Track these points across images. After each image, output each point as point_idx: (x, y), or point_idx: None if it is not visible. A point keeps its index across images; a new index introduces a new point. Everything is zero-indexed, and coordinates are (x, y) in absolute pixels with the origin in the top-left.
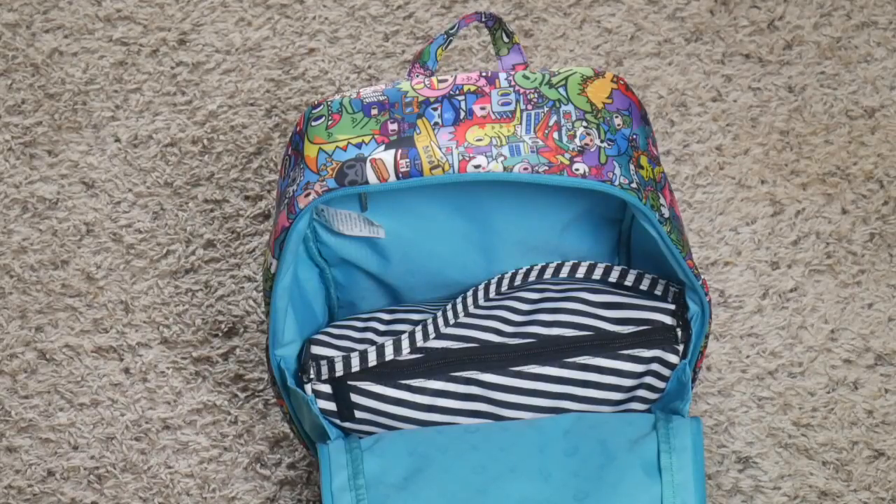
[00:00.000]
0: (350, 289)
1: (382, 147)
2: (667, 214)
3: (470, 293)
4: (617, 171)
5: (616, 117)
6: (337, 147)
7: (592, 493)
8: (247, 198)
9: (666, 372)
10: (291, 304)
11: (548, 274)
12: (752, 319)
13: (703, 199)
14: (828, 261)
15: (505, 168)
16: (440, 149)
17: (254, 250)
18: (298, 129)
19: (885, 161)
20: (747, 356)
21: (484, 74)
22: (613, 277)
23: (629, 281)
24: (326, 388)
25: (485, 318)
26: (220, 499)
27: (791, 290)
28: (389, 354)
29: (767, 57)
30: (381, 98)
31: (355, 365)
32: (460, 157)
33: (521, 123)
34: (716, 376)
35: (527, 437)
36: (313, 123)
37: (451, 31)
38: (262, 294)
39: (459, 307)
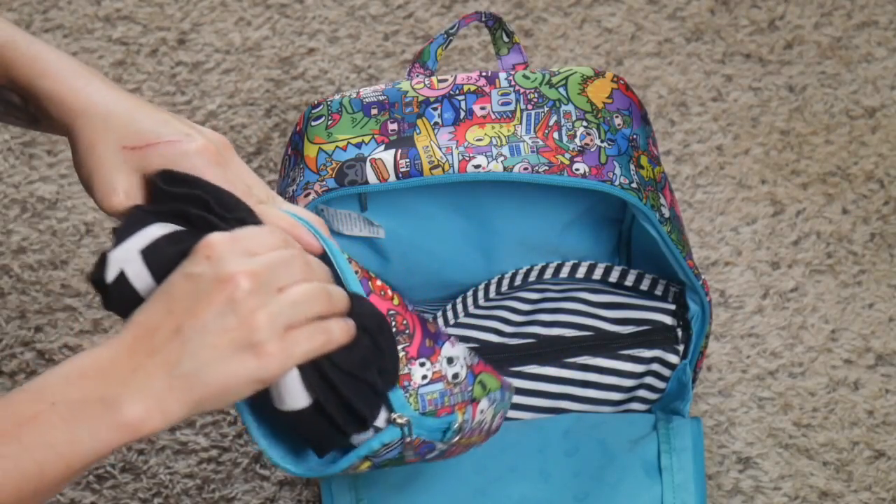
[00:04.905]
0: None
1: (382, 147)
2: (667, 214)
3: (470, 293)
4: (617, 170)
5: (616, 117)
6: (337, 147)
7: (592, 493)
8: None
9: (666, 372)
10: None
11: (548, 274)
12: (753, 319)
13: (703, 199)
14: (828, 261)
15: (505, 168)
16: (440, 149)
17: None
18: (298, 128)
19: (885, 161)
20: (748, 356)
21: (484, 74)
22: (613, 277)
23: (629, 281)
24: None
25: (484, 318)
26: (219, 499)
27: (791, 291)
28: None
29: (768, 57)
30: (381, 98)
31: None
32: (460, 157)
33: (521, 123)
34: (716, 376)
35: (527, 438)
36: (313, 123)
37: (451, 31)
38: None
39: (459, 307)
